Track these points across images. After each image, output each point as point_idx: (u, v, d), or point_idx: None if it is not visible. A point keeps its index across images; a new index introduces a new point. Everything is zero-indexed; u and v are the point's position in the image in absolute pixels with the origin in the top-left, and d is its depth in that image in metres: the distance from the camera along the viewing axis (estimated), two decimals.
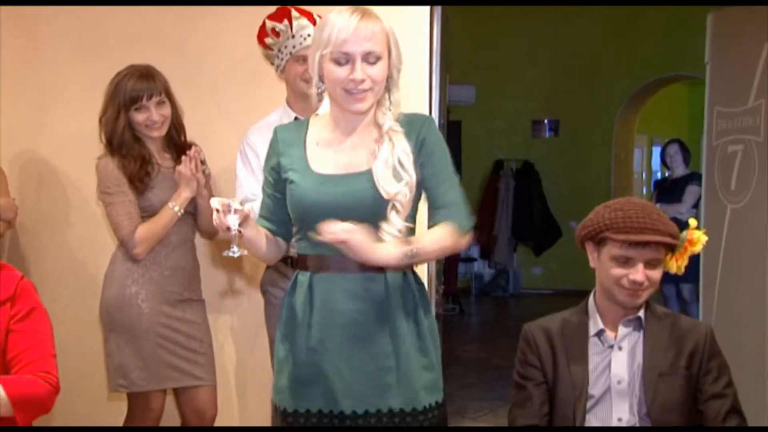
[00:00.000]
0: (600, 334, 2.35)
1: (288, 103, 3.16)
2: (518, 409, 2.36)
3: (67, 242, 3.75)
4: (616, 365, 2.31)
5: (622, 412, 2.28)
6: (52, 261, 3.77)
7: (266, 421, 2.61)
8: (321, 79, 2.18)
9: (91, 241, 3.66)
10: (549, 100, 10.53)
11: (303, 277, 2.22)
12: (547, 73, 10.36)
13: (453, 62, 4.78)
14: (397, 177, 2.12)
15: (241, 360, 3.59)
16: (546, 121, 10.79)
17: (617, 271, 2.29)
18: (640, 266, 2.27)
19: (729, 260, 4.47)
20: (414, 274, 2.25)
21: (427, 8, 3.48)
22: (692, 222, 2.38)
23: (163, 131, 3.21)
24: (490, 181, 10.44)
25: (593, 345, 2.34)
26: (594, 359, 2.33)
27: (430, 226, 2.21)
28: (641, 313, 2.34)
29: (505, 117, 10.64)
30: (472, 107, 10.07)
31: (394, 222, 2.10)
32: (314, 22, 3.00)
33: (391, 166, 2.12)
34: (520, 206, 10.10)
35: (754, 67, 4.24)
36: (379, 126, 2.19)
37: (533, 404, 2.33)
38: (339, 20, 2.09)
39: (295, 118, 3.10)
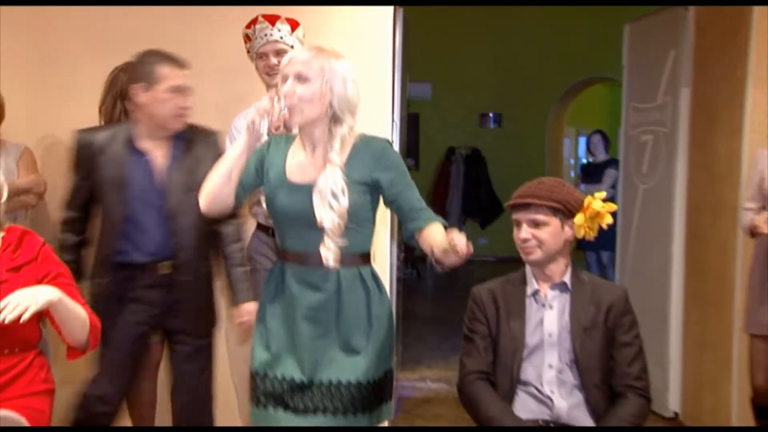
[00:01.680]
0: (535, 294, 2.36)
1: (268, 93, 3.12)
2: (467, 357, 2.37)
3: None
4: (548, 321, 2.32)
5: (552, 360, 2.29)
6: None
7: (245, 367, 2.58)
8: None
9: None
10: (494, 97, 10.56)
11: (278, 267, 2.24)
12: (493, 74, 10.37)
13: (412, 62, 4.74)
14: (331, 205, 2.09)
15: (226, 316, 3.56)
16: (491, 115, 10.81)
17: (515, 232, 2.34)
18: (524, 226, 2.30)
19: (641, 231, 4.51)
20: (373, 271, 2.24)
21: (390, 15, 3.43)
22: (597, 194, 2.36)
23: None
24: (443, 165, 10.44)
25: (529, 304, 2.35)
26: (530, 316, 2.34)
27: (410, 230, 2.19)
28: (567, 278, 2.35)
29: (457, 110, 10.63)
30: (428, 102, 10.06)
31: (328, 245, 2.10)
32: (273, 23, 2.95)
33: (326, 196, 2.10)
34: (469, 187, 10.12)
35: (662, 70, 4.27)
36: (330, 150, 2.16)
37: (480, 353, 2.34)
38: None
39: None
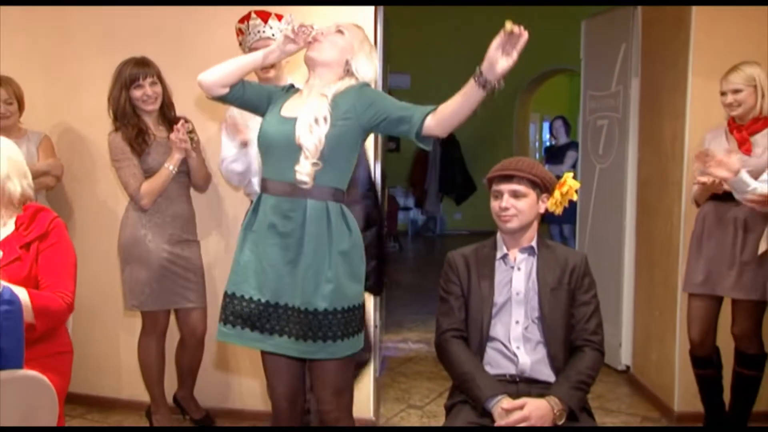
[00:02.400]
0: (504, 257, 2.37)
1: (258, 82, 3.10)
2: (442, 317, 2.37)
3: (94, 195, 3.67)
4: (516, 281, 2.33)
5: (519, 316, 2.31)
6: (82, 209, 3.69)
7: None
8: None
9: (111, 194, 3.58)
10: None
11: (257, 197, 2.22)
12: (466, 66, 10.12)
13: (392, 55, 4.73)
14: (311, 128, 2.09)
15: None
16: None
17: (493, 203, 2.35)
18: (506, 196, 2.31)
19: (597, 207, 4.55)
20: (342, 209, 2.18)
21: (372, 12, 3.42)
22: (568, 173, 2.42)
23: (156, 106, 3.16)
24: (421, 149, 10.41)
25: (499, 266, 2.36)
26: (499, 276, 2.34)
27: (417, 121, 2.16)
28: (534, 243, 2.37)
29: (434, 99, 10.24)
30: (407, 91, 9.98)
31: (303, 165, 2.09)
32: (265, 20, 2.93)
33: (308, 119, 2.10)
34: (445, 167, 10.13)
35: (615, 62, 4.29)
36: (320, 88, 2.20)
37: (453, 312, 2.35)
38: None
39: None
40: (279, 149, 2.15)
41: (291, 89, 2.33)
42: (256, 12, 2.95)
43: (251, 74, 3.10)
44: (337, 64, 2.22)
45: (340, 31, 2.24)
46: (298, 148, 2.10)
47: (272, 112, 2.24)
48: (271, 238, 2.14)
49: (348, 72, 2.23)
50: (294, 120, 2.13)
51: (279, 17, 2.96)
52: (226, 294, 2.21)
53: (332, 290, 2.11)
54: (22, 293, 2.08)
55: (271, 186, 2.17)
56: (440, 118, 2.14)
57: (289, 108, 2.21)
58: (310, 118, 2.10)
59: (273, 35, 2.93)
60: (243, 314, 2.16)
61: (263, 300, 2.14)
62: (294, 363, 2.24)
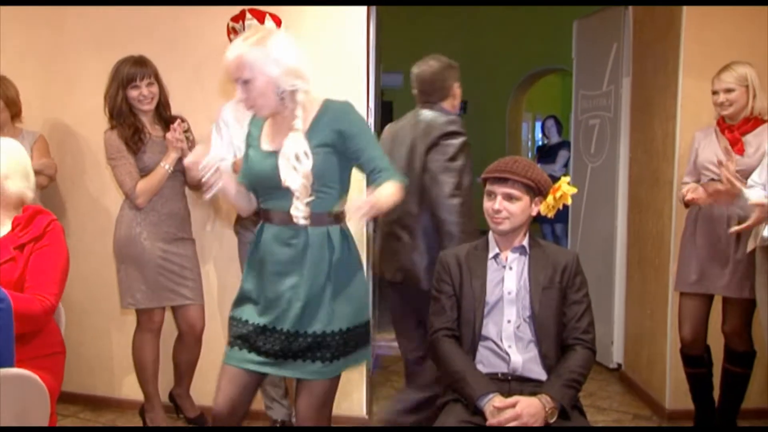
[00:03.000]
0: (496, 257, 2.36)
1: None
2: (435, 316, 2.37)
3: (87, 193, 3.66)
4: (508, 280, 2.32)
5: (511, 316, 2.30)
6: (75, 208, 3.67)
7: None
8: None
9: (104, 193, 3.58)
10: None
11: (260, 226, 2.23)
12: (458, 64, 10.32)
13: (385, 55, 4.73)
14: (295, 168, 2.06)
15: (221, 284, 3.57)
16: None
17: (486, 203, 2.34)
18: (499, 198, 2.29)
19: (589, 206, 4.56)
20: (343, 230, 2.20)
21: (364, 10, 3.42)
22: (564, 178, 2.40)
23: (152, 106, 3.15)
24: None
25: (491, 265, 2.35)
26: (491, 276, 2.34)
27: (371, 185, 2.15)
28: (525, 243, 2.36)
29: None
30: (400, 90, 9.96)
31: (297, 207, 2.07)
32: (262, 22, 2.92)
33: (290, 159, 2.06)
34: None
35: (606, 61, 4.31)
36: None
37: (445, 311, 2.34)
38: None
39: None
40: (269, 184, 2.15)
41: (258, 121, 2.26)
42: (251, 11, 2.93)
43: None
44: (277, 100, 2.12)
45: (244, 82, 2.09)
46: (276, 183, 2.10)
47: (253, 146, 2.22)
48: (272, 266, 2.16)
49: (289, 93, 2.11)
50: (274, 154, 2.11)
51: (274, 18, 2.96)
52: (231, 318, 2.26)
53: (329, 313, 2.14)
54: None
55: (271, 216, 2.18)
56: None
57: (268, 139, 2.19)
58: (290, 159, 2.06)
59: None
60: (243, 335, 2.19)
61: (260, 324, 2.17)
62: (253, 377, 2.22)
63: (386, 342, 4.98)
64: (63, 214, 3.62)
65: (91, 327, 3.64)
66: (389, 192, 2.12)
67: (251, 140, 2.24)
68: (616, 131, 4.21)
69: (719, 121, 3.13)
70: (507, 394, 2.19)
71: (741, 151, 3.00)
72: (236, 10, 3.01)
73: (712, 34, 3.42)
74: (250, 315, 2.20)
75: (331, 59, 3.42)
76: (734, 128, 3.06)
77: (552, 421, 2.14)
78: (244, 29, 2.93)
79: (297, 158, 2.06)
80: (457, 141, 2.78)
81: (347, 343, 2.19)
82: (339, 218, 2.19)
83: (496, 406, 2.14)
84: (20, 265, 2.20)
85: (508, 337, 2.30)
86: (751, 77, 3.01)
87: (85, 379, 3.63)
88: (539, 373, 2.28)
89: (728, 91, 3.02)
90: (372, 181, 2.16)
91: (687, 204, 3.22)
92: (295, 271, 2.13)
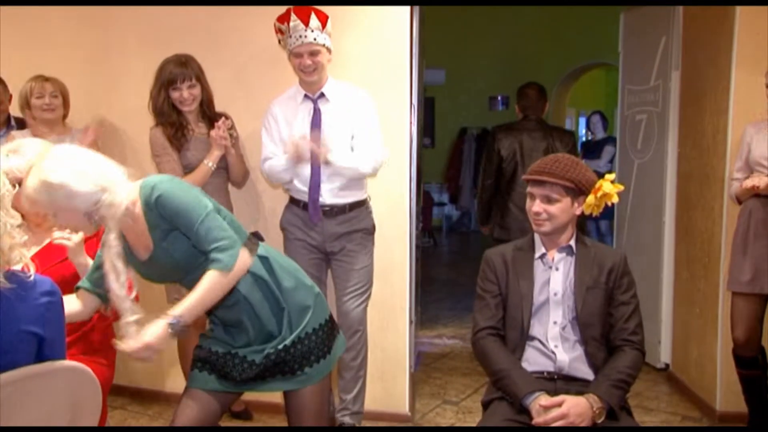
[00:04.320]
0: (542, 257, 2.34)
1: (299, 83, 3.12)
2: (479, 314, 2.35)
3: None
4: (554, 282, 2.30)
5: (557, 317, 2.28)
6: None
7: None
8: None
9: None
10: (501, 81, 10.43)
11: None
12: (500, 60, 10.25)
13: (428, 51, 4.71)
14: (117, 280, 1.97)
15: None
16: (499, 97, 10.70)
17: (528, 203, 2.31)
18: (537, 201, 2.26)
19: (636, 202, 4.48)
20: (264, 262, 2.10)
21: (408, 11, 3.41)
22: (608, 176, 2.34)
23: (193, 107, 3.18)
24: (456, 144, 10.39)
25: (537, 265, 2.33)
26: (538, 276, 2.31)
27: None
28: (572, 243, 2.33)
29: (468, 94, 10.55)
30: (442, 86, 9.99)
31: (129, 331, 1.94)
32: (307, 22, 2.91)
33: (113, 278, 1.99)
34: (480, 163, 10.04)
35: (654, 55, 4.21)
36: None
37: (490, 310, 2.32)
38: None
39: (305, 95, 3.07)
40: (175, 276, 2.14)
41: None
42: (295, 11, 2.94)
43: (292, 71, 3.13)
44: (85, 220, 1.92)
45: (54, 216, 1.91)
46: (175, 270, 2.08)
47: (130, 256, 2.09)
48: (234, 328, 2.11)
49: (99, 210, 1.90)
50: (150, 259, 2.06)
51: (319, 15, 2.96)
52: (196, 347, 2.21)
53: (288, 325, 2.09)
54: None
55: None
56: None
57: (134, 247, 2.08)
58: (110, 273, 1.95)
59: (315, 39, 2.92)
60: (208, 360, 2.13)
61: (222, 351, 2.12)
62: (215, 400, 2.13)
63: (428, 339, 4.98)
64: None
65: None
66: (202, 290, 1.94)
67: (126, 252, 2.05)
68: (664, 126, 4.12)
69: None
70: (553, 393, 2.17)
71: None
72: (281, 9, 3.02)
73: (765, 28, 3.31)
74: (212, 341, 2.16)
75: (374, 56, 3.42)
76: None
77: (600, 421, 2.11)
78: (289, 30, 2.94)
79: (116, 272, 1.94)
80: None
81: (312, 350, 2.11)
82: (249, 249, 2.07)
83: (542, 404, 2.11)
84: (73, 265, 2.27)
85: (554, 337, 2.27)
86: None
87: (133, 372, 3.70)
88: (586, 372, 2.25)
89: None
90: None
91: (740, 200, 3.13)
92: (253, 324, 2.07)
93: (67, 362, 1.67)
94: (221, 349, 2.12)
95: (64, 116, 3.44)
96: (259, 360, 2.07)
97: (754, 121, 3.16)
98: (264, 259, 2.11)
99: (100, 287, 2.06)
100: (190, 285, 2.01)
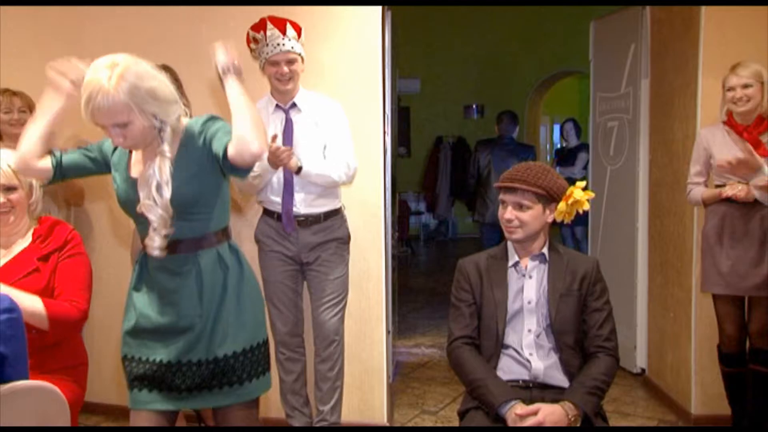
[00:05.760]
0: (516, 265, 2.34)
1: (271, 93, 3.10)
2: (454, 323, 2.35)
3: (110, 206, 3.68)
4: (527, 289, 2.30)
5: (531, 325, 2.28)
6: (100, 220, 3.70)
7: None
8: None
9: None
10: (476, 90, 10.52)
11: (142, 257, 2.07)
12: (475, 69, 10.33)
13: (402, 61, 4.72)
14: (154, 199, 1.93)
15: None
16: (474, 106, 10.77)
17: (500, 211, 2.32)
18: (510, 207, 2.27)
19: (609, 208, 4.51)
20: (231, 246, 2.07)
21: (379, 18, 3.40)
22: (579, 183, 2.34)
23: None
24: (432, 152, 10.41)
25: (511, 273, 2.33)
26: (511, 284, 2.32)
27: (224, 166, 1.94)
28: (545, 250, 2.33)
29: (443, 103, 10.59)
30: (417, 95, 10.03)
31: (153, 239, 1.93)
32: (284, 32, 2.92)
33: (150, 188, 1.93)
34: (456, 171, 10.08)
35: (624, 63, 4.26)
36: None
37: (465, 319, 2.32)
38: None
39: (276, 105, 3.05)
40: (131, 209, 2.01)
41: None
42: (271, 20, 2.93)
43: (264, 81, 3.12)
44: (155, 137, 1.95)
45: (120, 126, 1.90)
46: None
47: (120, 171, 2.05)
48: (165, 298, 2.01)
49: (161, 128, 1.94)
50: (133, 182, 1.99)
51: (294, 26, 2.95)
52: (125, 358, 2.08)
53: (235, 333, 2.02)
54: (36, 302, 2.12)
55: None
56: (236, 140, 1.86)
57: (135, 165, 2.03)
58: (152, 189, 1.92)
59: (292, 48, 2.93)
60: (147, 376, 2.03)
61: (165, 360, 2.01)
62: (167, 416, 2.07)
63: (406, 348, 4.96)
64: (88, 226, 3.65)
65: (114, 338, 3.62)
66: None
67: (118, 164, 2.05)
68: (635, 133, 4.16)
69: (731, 122, 3.08)
70: (528, 401, 2.17)
71: (766, 153, 2.94)
72: (253, 17, 3.00)
73: (731, 33, 3.36)
74: (154, 352, 2.02)
75: (347, 66, 3.42)
76: (751, 129, 3.01)
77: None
78: (266, 39, 2.93)
79: (158, 188, 1.92)
80: None
81: (254, 364, 2.06)
82: (226, 234, 2.07)
83: (518, 413, 2.11)
84: (46, 275, 2.24)
85: (529, 345, 2.27)
86: (764, 74, 2.99)
87: (107, 390, 3.64)
88: (561, 380, 2.25)
89: (746, 86, 2.98)
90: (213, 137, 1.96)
91: (706, 203, 3.16)
92: (191, 298, 1.99)
93: (33, 382, 1.64)
94: (159, 357, 2.01)
95: None
96: (200, 356, 1.99)
97: (706, 127, 3.20)
98: (234, 251, 2.08)
99: (65, 170, 2.09)
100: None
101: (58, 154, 2.09)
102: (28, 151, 2.02)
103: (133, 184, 2.00)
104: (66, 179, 2.14)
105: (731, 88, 3.02)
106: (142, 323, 2.05)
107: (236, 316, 2.03)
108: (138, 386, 2.05)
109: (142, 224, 2.00)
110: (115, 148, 2.08)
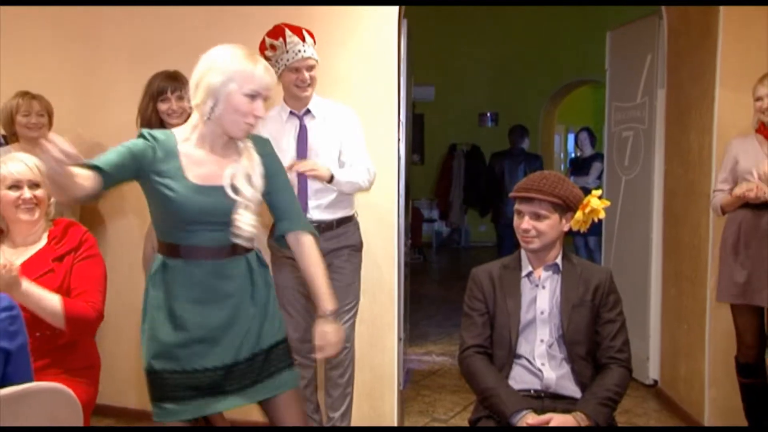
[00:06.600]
0: (529, 275, 2.32)
1: (284, 100, 3.10)
2: (466, 332, 2.34)
3: (121, 209, 3.71)
4: (540, 300, 2.29)
5: (544, 335, 2.27)
6: (113, 222, 3.73)
7: None
8: (216, 103, 1.97)
9: (137, 208, 3.60)
10: (491, 98, 10.51)
11: (174, 264, 2.01)
12: (489, 77, 10.32)
13: (417, 68, 4.72)
14: (251, 183, 2.02)
15: None
16: (488, 114, 10.75)
17: (516, 221, 2.30)
18: (526, 218, 2.26)
19: (623, 218, 4.49)
20: (258, 256, 2.13)
21: (395, 26, 3.41)
22: (595, 192, 2.33)
23: (182, 120, 3.14)
24: (446, 160, 10.40)
25: (524, 284, 2.32)
26: (524, 295, 2.30)
27: (277, 231, 2.14)
28: (558, 260, 2.32)
29: (457, 110, 10.58)
30: (432, 103, 10.02)
31: (245, 216, 1.99)
32: (303, 38, 2.94)
33: (247, 175, 2.02)
34: (469, 179, 10.06)
35: (641, 73, 4.24)
36: (237, 145, 2.05)
37: (477, 328, 2.31)
38: (256, 67, 1.96)
39: (291, 113, 3.06)
40: (211, 218, 1.98)
41: (164, 145, 2.01)
42: (288, 27, 2.95)
43: (278, 87, 3.13)
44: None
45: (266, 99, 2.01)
46: (221, 215, 1.98)
47: (174, 177, 1.97)
48: (218, 303, 2.01)
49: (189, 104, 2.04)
50: (219, 189, 1.98)
51: (309, 33, 2.97)
52: (164, 372, 1.99)
53: (277, 325, 2.11)
54: (54, 299, 2.16)
55: (202, 252, 1.99)
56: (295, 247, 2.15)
57: (199, 174, 2.00)
58: (242, 179, 2.01)
59: (312, 54, 2.95)
60: (198, 385, 2.00)
61: (220, 364, 2.01)
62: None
63: (417, 356, 4.95)
64: (100, 227, 3.68)
65: (125, 340, 3.66)
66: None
67: (167, 171, 1.98)
68: (651, 143, 4.14)
69: (760, 129, 3.07)
70: (540, 411, 2.15)
71: None
72: (269, 21, 3.02)
73: (749, 44, 3.34)
74: (206, 360, 2.00)
75: (363, 73, 3.42)
76: None
77: None
78: (285, 46, 2.94)
79: (249, 178, 2.01)
80: None
81: (287, 353, 2.13)
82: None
83: (529, 423, 2.10)
84: (60, 276, 2.26)
85: (541, 355, 2.26)
86: None
87: (118, 392, 3.66)
88: (573, 390, 2.24)
89: None
90: (285, 220, 2.15)
91: (724, 210, 3.14)
92: (245, 299, 2.04)
93: (46, 383, 1.65)
94: (212, 363, 2.00)
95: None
96: (249, 353, 2.03)
97: (739, 136, 3.18)
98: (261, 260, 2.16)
99: (113, 178, 1.94)
100: (197, 241, 1.98)
101: (95, 162, 1.93)
102: (71, 192, 1.85)
103: (197, 189, 1.97)
104: (115, 185, 1.99)
105: (759, 98, 3.01)
106: (194, 333, 1.99)
107: (275, 309, 2.12)
108: (182, 398, 1.99)
109: (193, 232, 1.98)
110: (154, 155, 1.99)
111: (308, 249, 2.12)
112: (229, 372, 2.02)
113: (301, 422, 2.13)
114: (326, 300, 2.11)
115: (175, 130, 2.10)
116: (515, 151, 6.79)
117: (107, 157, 1.95)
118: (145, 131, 2.05)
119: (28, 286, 2.11)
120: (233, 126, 1.99)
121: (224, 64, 1.97)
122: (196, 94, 2.00)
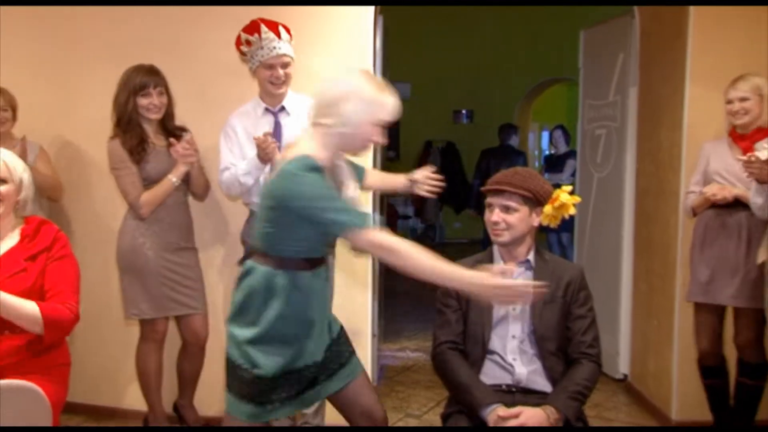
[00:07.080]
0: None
1: (260, 96, 3.09)
2: (439, 329, 2.36)
3: (92, 205, 3.66)
4: None
5: (516, 331, 2.29)
6: (81, 219, 3.68)
7: None
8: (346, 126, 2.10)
9: (109, 203, 3.56)
10: (466, 95, 10.54)
11: (286, 277, 2.10)
12: (465, 75, 10.35)
13: (393, 65, 4.72)
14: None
15: (226, 292, 3.55)
16: (464, 111, 10.79)
17: (486, 214, 2.33)
18: (496, 210, 2.28)
19: (596, 215, 4.54)
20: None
21: (371, 22, 3.40)
22: (565, 187, 2.36)
23: (160, 115, 3.14)
24: (421, 157, 10.42)
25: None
26: None
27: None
28: (531, 257, 2.34)
29: (433, 108, 10.59)
30: (407, 100, 9.94)
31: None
32: (278, 35, 2.93)
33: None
34: (445, 176, 10.04)
35: (613, 72, 4.29)
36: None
37: (450, 324, 2.33)
38: (391, 100, 2.20)
39: (266, 109, 3.05)
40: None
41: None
42: (264, 22, 2.93)
43: (253, 83, 3.11)
44: None
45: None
46: None
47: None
48: (319, 302, 2.21)
49: None
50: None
51: (286, 29, 2.96)
52: (273, 377, 2.08)
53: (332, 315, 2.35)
54: (31, 305, 2.12)
55: (323, 260, 2.22)
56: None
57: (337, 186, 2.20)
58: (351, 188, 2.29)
59: (287, 51, 2.94)
60: (304, 381, 2.16)
61: (320, 359, 2.18)
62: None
63: (391, 352, 4.96)
64: (68, 224, 3.63)
65: (96, 338, 3.63)
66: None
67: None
68: (623, 141, 4.19)
69: (731, 132, 3.13)
70: (511, 405, 2.17)
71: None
72: (243, 18, 3.00)
73: (718, 44, 3.40)
74: (313, 356, 2.17)
75: (337, 69, 3.41)
76: (746, 138, 3.05)
77: None
78: (260, 41, 2.92)
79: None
80: None
81: (348, 339, 2.35)
82: None
83: (500, 415, 2.12)
84: (33, 276, 2.22)
85: (513, 350, 2.28)
86: (764, 87, 3.02)
87: (89, 390, 3.62)
88: (544, 385, 2.26)
89: (743, 99, 3.02)
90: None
91: (695, 212, 3.20)
92: (327, 296, 2.34)
93: (15, 381, 1.63)
94: (315, 358, 2.16)
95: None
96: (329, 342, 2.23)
97: (713, 139, 3.24)
98: None
99: None
100: (325, 252, 2.22)
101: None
102: None
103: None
104: None
105: (730, 101, 3.06)
106: (311, 332, 2.15)
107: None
108: (275, 400, 2.11)
109: (325, 243, 2.20)
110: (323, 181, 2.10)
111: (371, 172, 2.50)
112: (324, 362, 2.20)
113: (376, 404, 2.27)
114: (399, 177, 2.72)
115: (307, 151, 2.07)
116: (503, 148, 7.30)
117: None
118: (312, 163, 2.04)
119: (3, 296, 2.08)
120: (355, 146, 2.18)
121: (363, 93, 2.10)
122: (326, 114, 2.09)
